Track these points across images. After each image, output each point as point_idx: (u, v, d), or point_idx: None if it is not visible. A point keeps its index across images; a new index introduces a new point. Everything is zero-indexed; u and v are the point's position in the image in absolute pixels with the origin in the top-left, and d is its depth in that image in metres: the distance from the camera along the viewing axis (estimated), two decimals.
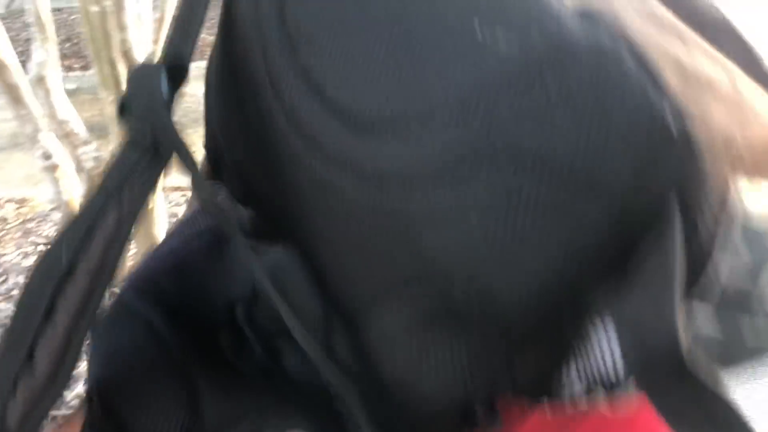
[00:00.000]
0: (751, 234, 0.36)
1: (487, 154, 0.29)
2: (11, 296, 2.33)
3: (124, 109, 0.37)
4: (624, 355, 0.33)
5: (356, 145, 0.32)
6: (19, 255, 2.57)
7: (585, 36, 0.29)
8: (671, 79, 0.29)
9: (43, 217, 2.83)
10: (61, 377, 0.40)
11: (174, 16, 0.38)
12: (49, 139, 1.96)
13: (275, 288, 0.39)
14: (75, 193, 2.06)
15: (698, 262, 0.30)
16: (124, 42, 1.73)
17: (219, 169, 0.44)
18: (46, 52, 1.87)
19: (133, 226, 0.39)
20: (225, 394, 0.46)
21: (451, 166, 0.30)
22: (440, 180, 0.30)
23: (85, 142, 2.07)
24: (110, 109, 1.90)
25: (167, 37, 0.38)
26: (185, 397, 0.45)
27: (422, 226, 0.32)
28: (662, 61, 0.29)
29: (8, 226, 2.77)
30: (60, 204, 2.04)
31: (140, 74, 0.38)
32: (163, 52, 0.38)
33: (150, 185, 0.40)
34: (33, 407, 0.41)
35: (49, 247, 0.40)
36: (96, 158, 2.06)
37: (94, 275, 0.39)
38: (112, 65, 1.81)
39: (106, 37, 1.73)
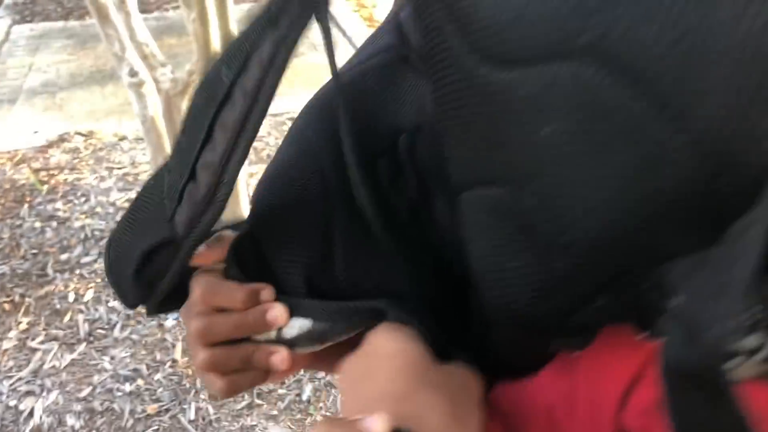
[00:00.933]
0: None
1: (571, 48, 0.29)
2: (95, 213, 2.52)
3: None
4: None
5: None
6: (96, 179, 2.75)
7: None
8: None
9: (112, 146, 3.01)
10: (220, 193, 0.44)
11: None
12: (134, 58, 2.10)
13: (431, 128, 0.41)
14: (158, 109, 2.22)
15: None
16: None
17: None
18: None
19: (291, 54, 0.41)
20: (354, 256, 0.48)
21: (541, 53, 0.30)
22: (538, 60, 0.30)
23: (162, 64, 2.22)
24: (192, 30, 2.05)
25: None
26: (320, 244, 0.47)
27: (517, 119, 0.32)
28: None
29: (81, 155, 2.95)
30: (145, 120, 2.21)
31: None
32: None
33: (307, 14, 0.41)
34: (197, 216, 0.44)
35: (210, 68, 0.45)
36: (173, 79, 2.22)
37: (251, 98, 0.42)
38: None
39: None
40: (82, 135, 3.16)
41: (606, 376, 0.41)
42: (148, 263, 0.48)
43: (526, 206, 0.34)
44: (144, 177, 2.75)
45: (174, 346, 1.96)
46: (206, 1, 1.95)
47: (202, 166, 0.44)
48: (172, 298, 0.50)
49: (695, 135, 0.26)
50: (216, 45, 2.06)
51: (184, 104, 2.38)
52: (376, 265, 0.47)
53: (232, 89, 0.42)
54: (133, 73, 2.09)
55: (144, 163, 2.85)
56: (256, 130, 0.43)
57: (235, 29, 1.98)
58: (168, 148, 2.25)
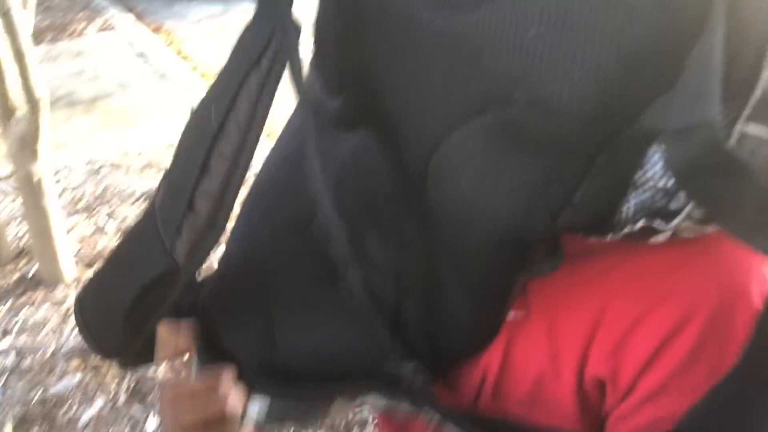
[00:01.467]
0: None
1: None
2: None
3: None
4: (670, 165, 0.34)
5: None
6: None
7: None
8: None
9: None
10: (220, 220, 0.48)
11: None
12: None
13: (356, 166, 0.47)
14: None
15: (743, 81, 0.33)
16: None
17: (320, 64, 0.51)
18: None
19: (276, 87, 0.47)
20: (298, 328, 0.52)
21: None
22: None
23: None
24: None
25: None
26: (263, 329, 0.51)
27: (486, 51, 0.38)
28: None
29: None
30: None
31: None
32: None
33: (288, 52, 0.47)
34: (197, 245, 0.49)
35: (196, 108, 0.51)
36: None
37: (244, 129, 0.47)
38: None
39: None
40: None
41: (564, 334, 0.47)
42: (143, 300, 0.51)
43: (517, 112, 0.37)
44: None
45: None
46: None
47: (201, 196, 0.49)
48: (150, 348, 0.54)
49: None
50: (16, 102, 1.96)
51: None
52: (313, 329, 0.52)
53: (225, 123, 0.48)
54: None
55: None
56: (251, 158, 0.48)
57: (37, 85, 1.89)
58: None
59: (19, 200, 2.64)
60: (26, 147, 1.97)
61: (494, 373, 0.53)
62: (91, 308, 0.57)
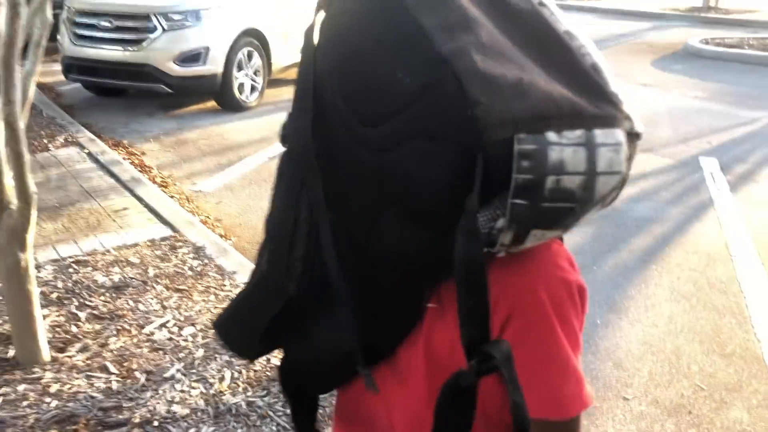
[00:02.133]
0: None
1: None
2: None
3: (284, 138, 0.76)
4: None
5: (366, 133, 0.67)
6: None
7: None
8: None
9: None
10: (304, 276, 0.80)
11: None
12: None
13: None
14: None
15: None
16: None
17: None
18: None
19: (314, 222, 0.76)
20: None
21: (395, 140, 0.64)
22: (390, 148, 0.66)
23: None
24: None
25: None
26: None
27: (390, 175, 0.67)
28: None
29: None
30: None
31: (297, 119, 0.74)
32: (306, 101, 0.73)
33: (319, 194, 0.74)
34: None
35: (262, 271, 0.82)
36: None
37: (307, 240, 0.78)
38: None
39: None
40: None
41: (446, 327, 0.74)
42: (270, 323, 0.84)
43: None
44: None
45: None
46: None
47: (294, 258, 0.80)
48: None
49: None
50: (11, 198, 2.24)
51: None
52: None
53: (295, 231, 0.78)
54: None
55: None
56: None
57: (31, 183, 2.19)
58: None
59: None
60: (16, 237, 2.23)
61: (422, 347, 0.79)
62: (231, 330, 0.90)
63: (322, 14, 0.74)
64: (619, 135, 0.64)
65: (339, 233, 0.75)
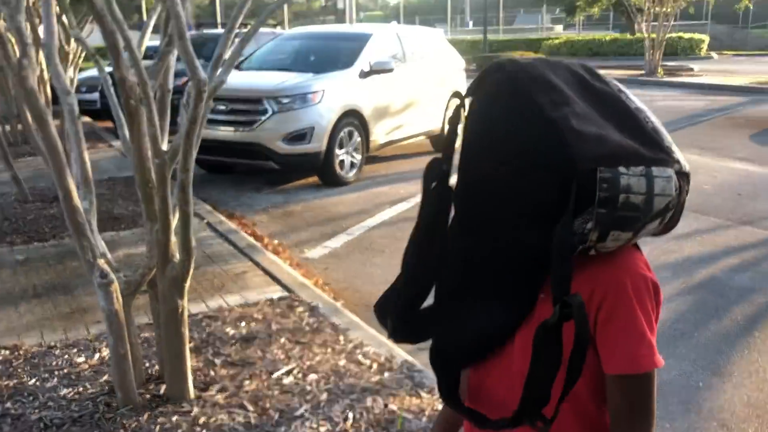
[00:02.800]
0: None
1: None
2: (48, 406, 2.79)
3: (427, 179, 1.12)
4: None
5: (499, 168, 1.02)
6: (38, 380, 3.03)
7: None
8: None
9: (43, 354, 3.31)
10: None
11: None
12: (103, 264, 2.59)
13: None
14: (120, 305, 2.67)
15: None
16: None
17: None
18: None
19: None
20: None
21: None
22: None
23: (117, 270, 2.73)
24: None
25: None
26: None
27: None
28: None
29: (14, 364, 3.21)
30: (110, 313, 2.64)
31: (434, 165, 1.11)
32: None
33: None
34: None
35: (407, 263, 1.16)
36: (126, 282, 2.72)
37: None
38: None
39: None
40: (7, 349, 3.42)
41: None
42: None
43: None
44: (87, 374, 3.07)
45: None
46: (170, 214, 2.55)
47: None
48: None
49: None
50: (174, 251, 2.63)
51: (139, 301, 2.86)
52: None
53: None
54: (103, 275, 2.58)
55: (82, 362, 3.18)
56: None
57: (193, 239, 2.57)
58: (127, 339, 2.67)
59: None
60: (177, 286, 2.60)
61: (527, 332, 1.04)
62: (382, 310, 1.21)
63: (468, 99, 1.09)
64: (670, 171, 0.96)
65: (480, 242, 1.06)
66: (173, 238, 2.60)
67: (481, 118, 1.04)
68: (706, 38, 27.69)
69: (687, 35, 27.17)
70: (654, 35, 19.29)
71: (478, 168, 1.03)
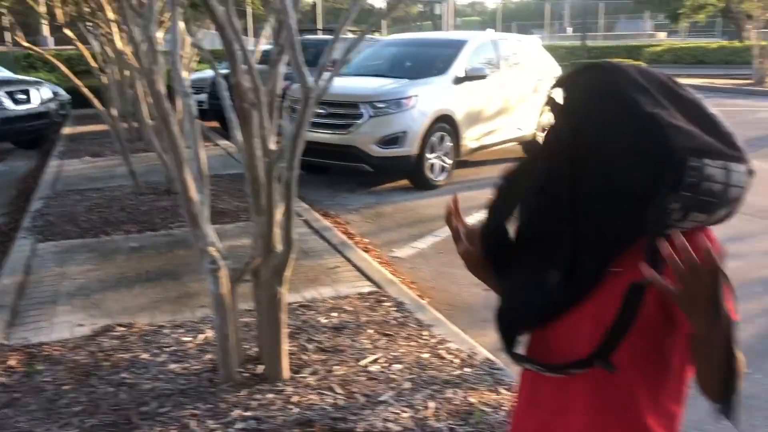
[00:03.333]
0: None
1: None
2: (159, 378, 3.10)
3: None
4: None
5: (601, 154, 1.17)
6: (150, 355, 3.36)
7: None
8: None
9: (154, 333, 3.64)
10: None
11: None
12: (213, 252, 2.86)
13: None
14: (227, 290, 2.94)
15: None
16: None
17: None
18: None
19: None
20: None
21: None
22: None
23: (225, 258, 2.99)
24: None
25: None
26: None
27: None
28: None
29: (129, 340, 3.56)
30: (217, 297, 2.91)
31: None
32: None
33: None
34: None
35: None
36: (233, 269, 2.98)
37: None
38: None
39: None
40: (123, 326, 3.79)
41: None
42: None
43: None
44: (192, 352, 3.37)
45: None
46: (274, 209, 2.80)
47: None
48: None
49: None
50: (277, 243, 2.87)
51: (240, 289, 3.13)
52: None
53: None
54: (213, 262, 2.85)
55: (188, 341, 3.50)
56: None
57: (294, 232, 2.80)
58: (231, 322, 2.94)
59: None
60: (278, 274, 2.84)
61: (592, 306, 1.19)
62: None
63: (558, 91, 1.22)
64: (743, 168, 1.12)
65: (561, 220, 1.18)
66: (276, 231, 2.84)
67: (575, 108, 1.18)
68: None
69: None
70: (764, 42, 18.39)
71: (566, 150, 1.16)
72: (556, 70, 9.63)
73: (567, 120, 1.19)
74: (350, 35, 13.11)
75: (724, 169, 1.08)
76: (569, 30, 43.88)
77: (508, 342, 1.26)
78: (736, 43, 26.34)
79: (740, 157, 1.11)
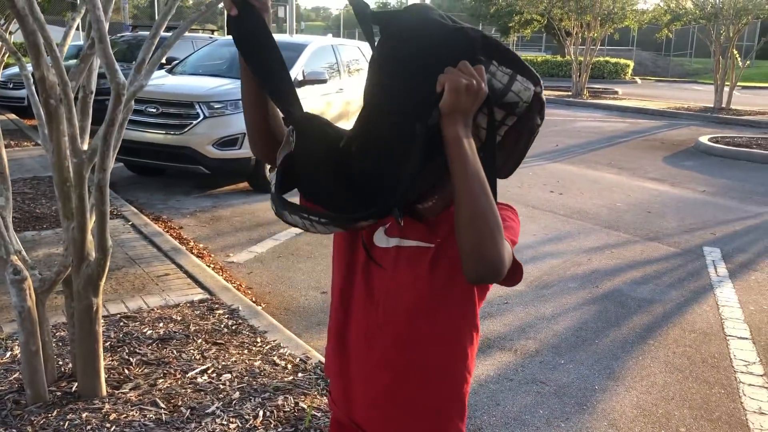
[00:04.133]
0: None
1: None
2: None
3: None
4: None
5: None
6: None
7: None
8: None
9: None
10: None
11: None
12: (17, 261, 2.62)
13: None
14: (33, 302, 2.69)
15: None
16: None
17: None
18: None
19: None
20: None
21: None
22: None
23: (32, 267, 2.75)
24: None
25: None
26: None
27: None
28: None
29: None
30: (23, 310, 2.66)
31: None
32: None
33: None
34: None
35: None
36: (41, 279, 2.74)
37: None
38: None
39: None
40: None
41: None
42: None
43: None
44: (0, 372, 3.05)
45: None
46: (87, 213, 2.59)
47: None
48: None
49: None
50: (90, 250, 2.67)
51: (57, 301, 2.87)
52: None
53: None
54: (16, 272, 2.59)
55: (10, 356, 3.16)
56: None
57: (109, 238, 2.62)
58: (39, 337, 2.69)
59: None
60: (92, 284, 2.63)
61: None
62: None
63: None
64: (534, 87, 1.13)
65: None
66: (90, 237, 2.64)
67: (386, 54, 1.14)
68: (631, 63, 29.00)
69: (614, 60, 28.38)
70: (582, 58, 20.09)
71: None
72: None
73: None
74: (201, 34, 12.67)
75: (509, 76, 1.10)
76: None
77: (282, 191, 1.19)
78: (559, 58, 28.56)
79: (535, 78, 1.14)
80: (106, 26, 2.64)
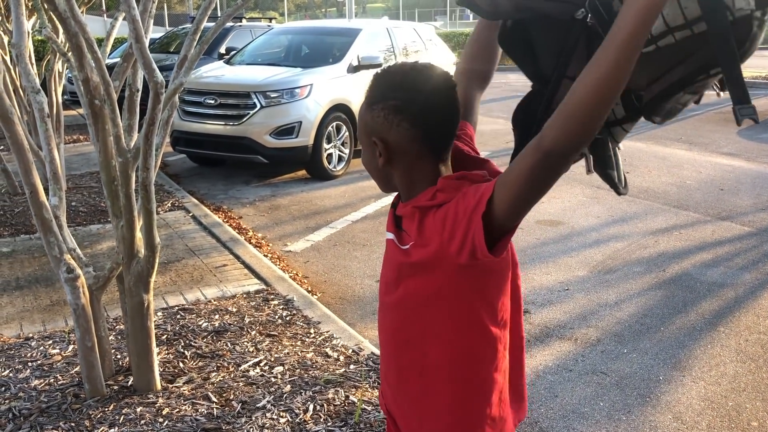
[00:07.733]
0: None
1: None
2: (19, 397, 2.87)
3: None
4: None
5: None
6: (11, 371, 3.11)
7: None
8: None
9: (19, 346, 3.39)
10: None
11: None
12: (70, 260, 2.67)
13: None
14: (86, 299, 2.75)
15: None
16: None
17: None
18: None
19: None
20: None
21: None
22: None
23: (86, 265, 2.81)
24: None
25: None
26: None
27: None
28: None
29: None
30: (77, 308, 2.72)
31: None
32: None
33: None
34: None
35: None
36: (95, 276, 2.79)
37: None
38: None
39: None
40: None
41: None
42: None
43: None
44: (59, 366, 3.15)
45: None
46: (134, 211, 2.62)
47: None
48: None
49: None
50: (140, 247, 2.70)
51: (103, 297, 2.93)
52: None
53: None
54: (69, 270, 2.65)
55: (56, 354, 3.26)
56: None
57: (157, 235, 2.64)
58: (94, 333, 2.75)
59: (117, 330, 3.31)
60: (142, 281, 2.67)
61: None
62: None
63: None
64: None
65: None
66: (139, 235, 2.67)
67: None
68: None
69: None
70: None
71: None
72: (450, 58, 9.70)
73: None
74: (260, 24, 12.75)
75: None
76: (471, 16, 44.55)
77: None
78: None
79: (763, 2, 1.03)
80: (150, 23, 2.65)
